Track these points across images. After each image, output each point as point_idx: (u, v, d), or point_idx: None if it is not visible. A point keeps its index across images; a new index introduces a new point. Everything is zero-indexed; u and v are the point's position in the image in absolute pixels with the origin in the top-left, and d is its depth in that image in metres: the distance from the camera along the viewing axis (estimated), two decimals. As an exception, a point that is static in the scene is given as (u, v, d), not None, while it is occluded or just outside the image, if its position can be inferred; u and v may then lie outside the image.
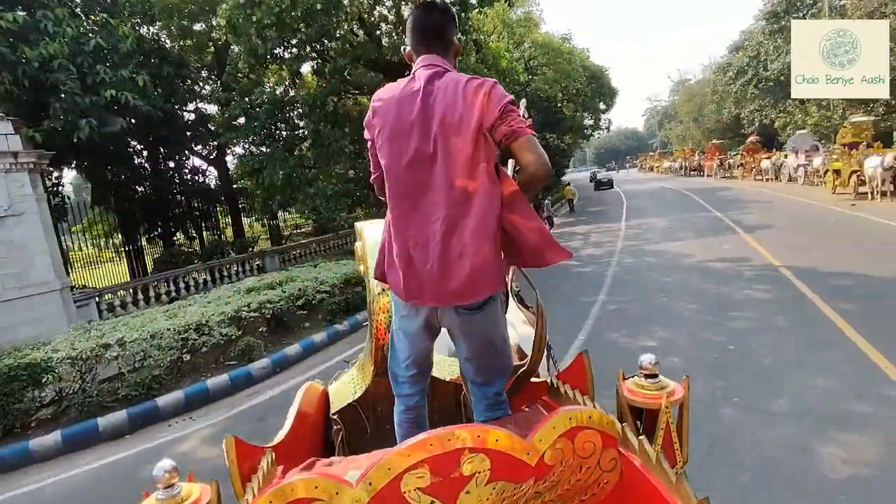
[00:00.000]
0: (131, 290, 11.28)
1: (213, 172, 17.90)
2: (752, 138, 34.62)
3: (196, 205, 16.62)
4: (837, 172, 18.11)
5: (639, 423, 1.49)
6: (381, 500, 1.14)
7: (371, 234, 2.15)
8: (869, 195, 15.60)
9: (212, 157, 17.52)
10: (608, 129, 34.90)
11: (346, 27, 10.61)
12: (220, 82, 13.02)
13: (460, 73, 1.61)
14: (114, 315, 9.84)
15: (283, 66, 11.17)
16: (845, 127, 18.75)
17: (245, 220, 19.98)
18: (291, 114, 11.57)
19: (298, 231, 21.46)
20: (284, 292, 8.07)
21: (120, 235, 15.32)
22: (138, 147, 14.74)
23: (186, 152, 16.67)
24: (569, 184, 36.83)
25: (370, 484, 1.13)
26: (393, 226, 1.58)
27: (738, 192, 25.02)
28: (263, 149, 11.89)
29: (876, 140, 19.01)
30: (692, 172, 42.99)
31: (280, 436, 1.74)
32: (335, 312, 8.63)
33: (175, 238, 17.08)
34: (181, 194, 16.44)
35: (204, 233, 17.98)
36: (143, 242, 16.57)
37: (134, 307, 10.64)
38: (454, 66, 1.69)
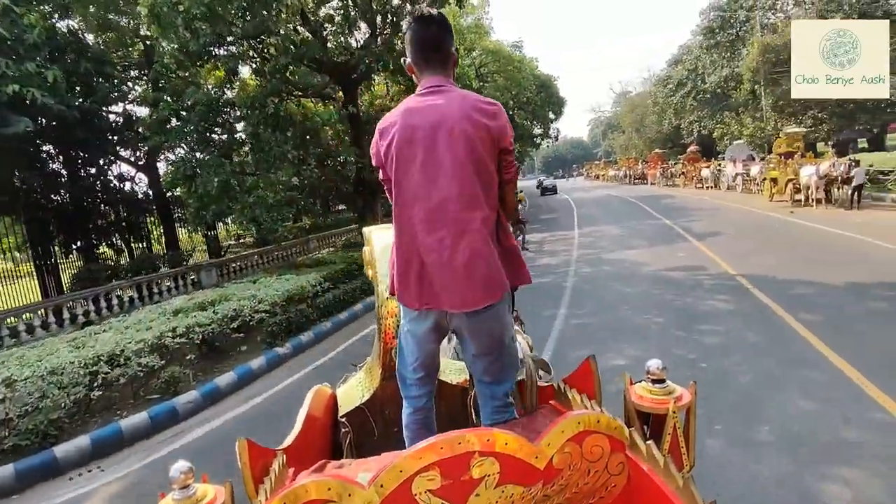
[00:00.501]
0: (41, 312, 9.94)
1: (144, 179, 16.47)
2: (692, 148, 35.99)
3: (123, 214, 15.18)
4: (774, 181, 18.87)
5: (646, 427, 1.50)
6: (392, 502, 1.16)
7: (379, 238, 2.21)
8: (802, 201, 16.34)
9: (142, 162, 16.12)
10: (556, 138, 35.36)
11: (287, 23, 9.84)
12: (150, 82, 11.89)
13: (468, 91, 1.72)
14: (18, 342, 8.58)
15: (219, 65, 10.25)
16: (780, 137, 19.53)
17: (183, 231, 18.61)
18: (229, 116, 10.63)
19: (240, 242, 20.18)
20: (216, 314, 7.19)
21: (31, 249, 13.71)
22: (52, 151, 13.27)
23: (111, 157, 15.23)
24: (521, 190, 37.08)
25: (381, 486, 1.15)
26: (403, 234, 1.65)
27: (682, 199, 25.74)
28: (198, 154, 10.87)
29: (807, 150, 20.02)
30: (636, 181, 44.34)
31: (290, 438, 1.76)
32: (276, 334, 7.82)
33: (99, 252, 15.54)
34: (105, 203, 14.97)
35: (132, 245, 16.51)
36: (61, 256, 14.94)
37: (44, 331, 9.35)
38: (454, 77, 1.79)
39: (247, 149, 10.70)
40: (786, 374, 4.86)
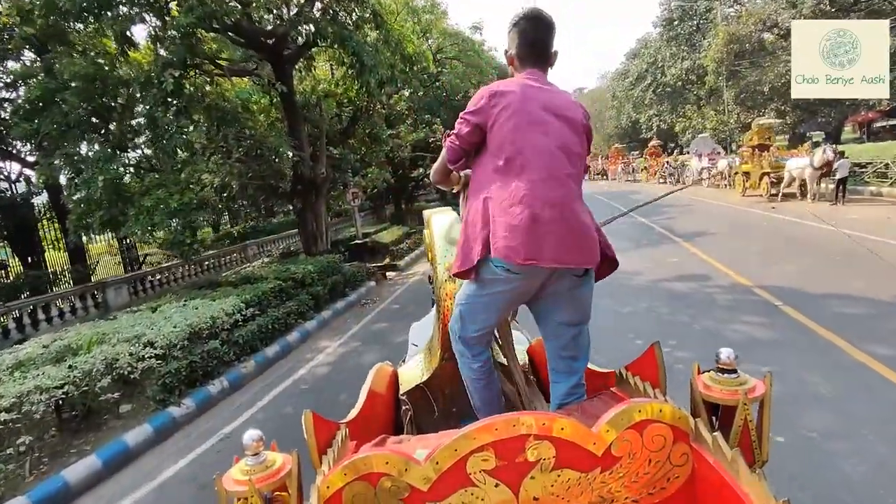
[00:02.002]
0: None
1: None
2: (653, 142, 35.40)
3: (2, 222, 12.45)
4: (747, 175, 17.98)
5: (714, 419, 1.46)
6: (447, 478, 1.20)
7: (438, 221, 2.30)
8: (798, 196, 15.34)
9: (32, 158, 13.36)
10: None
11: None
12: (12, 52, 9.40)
13: (560, 89, 1.86)
14: None
15: (105, 28, 7.94)
16: (752, 129, 18.61)
17: (102, 240, 15.89)
18: (123, 98, 8.32)
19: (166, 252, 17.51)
20: (73, 369, 5.01)
21: None
22: None
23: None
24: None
25: (437, 463, 1.19)
26: (513, 192, 1.64)
27: (649, 195, 24.72)
28: (84, 145, 8.51)
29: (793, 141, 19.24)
30: (596, 176, 43.67)
31: (353, 413, 1.81)
32: (171, 388, 5.72)
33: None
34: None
35: (30, 259, 13.74)
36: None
37: None
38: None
39: (145, 139, 8.39)
40: (913, 461, 3.25)
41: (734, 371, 1.44)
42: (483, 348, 1.88)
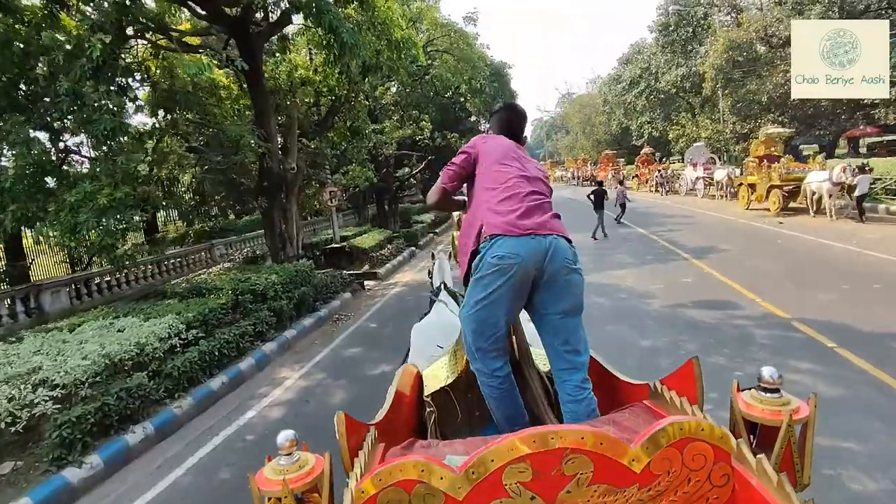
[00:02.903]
0: None
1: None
2: (646, 150, 34.64)
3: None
4: (752, 187, 17.00)
5: (752, 438, 1.44)
6: (482, 489, 1.18)
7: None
8: (812, 212, 14.37)
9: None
10: (508, 133, 32.74)
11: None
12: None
13: None
14: None
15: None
16: (758, 139, 17.68)
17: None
18: (42, 65, 6.87)
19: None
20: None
21: None
22: None
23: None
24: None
25: (473, 473, 1.17)
26: (509, 194, 1.97)
27: (644, 204, 23.80)
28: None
29: (786, 153, 18.40)
30: (585, 182, 42.80)
31: (381, 414, 1.82)
32: (71, 441, 4.38)
33: None
34: None
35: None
36: None
37: None
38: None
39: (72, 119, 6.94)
40: None
41: (777, 391, 1.42)
42: (501, 363, 1.93)
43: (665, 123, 35.29)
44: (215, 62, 7.48)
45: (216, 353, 6.17)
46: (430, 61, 16.13)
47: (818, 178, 13.58)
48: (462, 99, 21.23)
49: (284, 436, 1.36)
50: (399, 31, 11.12)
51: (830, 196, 12.99)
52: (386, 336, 7.69)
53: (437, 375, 2.36)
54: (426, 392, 2.28)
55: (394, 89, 19.62)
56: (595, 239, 13.94)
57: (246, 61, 7.50)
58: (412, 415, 2.23)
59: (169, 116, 7.32)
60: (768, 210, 16.09)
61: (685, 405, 1.52)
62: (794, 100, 25.86)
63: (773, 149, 17.32)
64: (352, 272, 12.21)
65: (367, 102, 14.56)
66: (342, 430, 1.48)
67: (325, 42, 8.32)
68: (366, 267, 12.70)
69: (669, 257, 10.98)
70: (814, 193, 13.97)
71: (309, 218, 17.95)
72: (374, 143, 14.97)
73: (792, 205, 15.64)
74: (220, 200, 14.74)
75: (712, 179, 23.85)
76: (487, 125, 32.72)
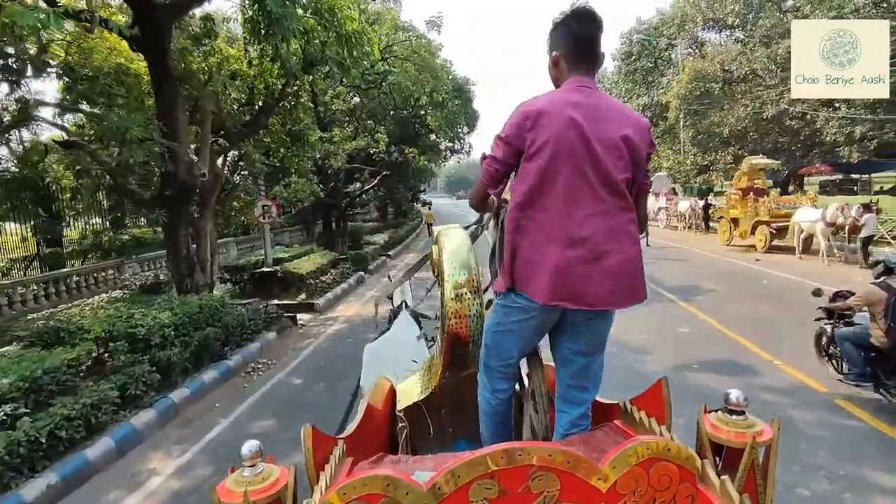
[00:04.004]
0: None
1: None
2: (606, 177, 34.21)
3: None
4: (735, 221, 16.05)
5: (717, 460, 1.46)
6: None
7: (450, 239, 2.20)
8: (799, 252, 13.28)
9: None
10: (469, 153, 31.63)
11: None
12: None
13: (615, 100, 1.75)
14: None
15: None
16: (741, 169, 16.85)
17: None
18: None
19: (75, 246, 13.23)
20: None
21: None
22: None
23: None
24: (430, 207, 32.86)
25: (439, 489, 1.14)
26: (540, 227, 1.60)
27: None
28: None
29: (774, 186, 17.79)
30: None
31: (350, 428, 1.80)
32: None
33: None
34: None
35: None
36: None
37: None
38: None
39: None
40: None
41: (742, 413, 1.45)
42: (506, 385, 1.85)
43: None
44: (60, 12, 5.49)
45: (44, 440, 4.14)
46: (387, 67, 14.52)
47: (809, 217, 12.65)
48: (422, 112, 19.73)
49: (249, 447, 1.34)
50: (351, 24, 9.46)
51: (825, 237, 12.02)
52: (312, 399, 5.85)
53: (411, 390, 2.33)
54: (399, 407, 2.23)
55: (350, 97, 17.94)
56: None
57: (150, 41, 5.64)
58: (383, 430, 2.19)
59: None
60: (753, 247, 15.07)
61: (654, 425, 1.52)
62: (752, 134, 25.99)
63: (756, 180, 16.44)
64: (284, 302, 10.26)
65: (311, 105, 12.77)
66: (308, 444, 1.45)
67: (250, 16, 6.56)
68: (302, 296, 10.76)
69: (653, 298, 9.65)
70: (802, 232, 13.03)
71: (240, 235, 15.77)
72: (322, 153, 13.16)
73: (776, 242, 14.76)
74: (116, 209, 12.38)
75: (676, 210, 23.30)
76: (448, 143, 31.51)
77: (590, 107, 1.58)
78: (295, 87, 10.21)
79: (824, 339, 5.35)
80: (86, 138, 7.67)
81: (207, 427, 5.28)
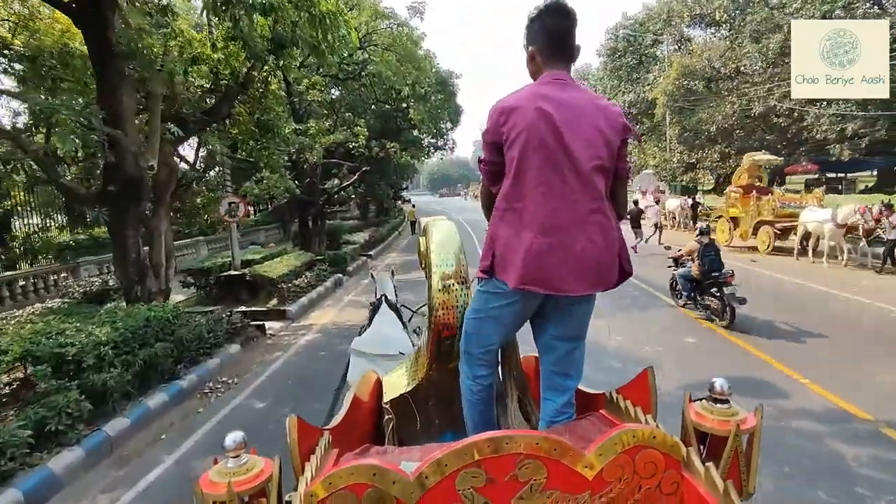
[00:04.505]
0: None
1: None
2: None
3: None
4: (735, 221, 15.28)
5: (702, 448, 1.47)
6: (435, 494, 1.15)
7: (438, 230, 2.20)
8: (811, 255, 12.32)
9: None
10: (453, 149, 30.82)
11: None
12: None
13: (588, 91, 1.79)
14: None
15: None
16: (742, 165, 16.06)
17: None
18: None
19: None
20: None
21: None
22: None
23: None
24: (413, 205, 32.08)
25: (426, 478, 1.14)
26: (517, 217, 1.66)
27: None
28: None
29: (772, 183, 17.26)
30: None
31: (336, 419, 1.77)
32: None
33: None
34: None
35: None
36: None
37: None
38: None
39: None
40: None
41: (727, 401, 1.46)
42: (486, 372, 1.87)
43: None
44: None
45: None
46: (367, 55, 13.63)
47: (817, 217, 11.90)
48: (405, 105, 18.85)
49: (232, 438, 1.32)
50: (325, 4, 8.59)
51: (837, 240, 11.37)
52: (275, 429, 5.00)
53: (397, 382, 2.33)
54: (385, 399, 2.23)
55: (329, 89, 16.98)
56: None
57: (88, 12, 4.73)
58: (370, 421, 2.18)
59: None
60: (756, 249, 14.39)
61: (639, 414, 1.53)
62: (739, 131, 25.70)
63: (757, 177, 15.71)
64: (252, 309, 9.36)
65: (285, 95, 11.86)
66: (293, 435, 1.43)
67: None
68: (273, 302, 9.87)
69: (651, 302, 9.02)
70: (806, 233, 12.31)
71: (212, 234, 14.74)
72: (297, 146, 12.24)
73: (778, 244, 14.16)
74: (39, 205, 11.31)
75: (663, 209, 22.83)
76: (431, 139, 30.60)
77: (561, 99, 1.62)
78: (264, 73, 9.31)
79: (673, 282, 8.45)
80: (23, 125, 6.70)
81: (147, 467, 4.42)
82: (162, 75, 5.91)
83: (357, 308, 9.61)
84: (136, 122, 6.53)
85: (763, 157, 16.30)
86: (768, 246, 13.76)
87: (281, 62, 8.95)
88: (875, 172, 30.75)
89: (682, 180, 28.01)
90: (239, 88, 8.01)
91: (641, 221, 16.04)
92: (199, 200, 9.63)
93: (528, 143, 1.59)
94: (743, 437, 1.37)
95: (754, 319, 7.54)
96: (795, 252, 12.69)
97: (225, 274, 9.90)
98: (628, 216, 14.24)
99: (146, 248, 7.14)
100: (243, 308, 9.41)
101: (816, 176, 27.95)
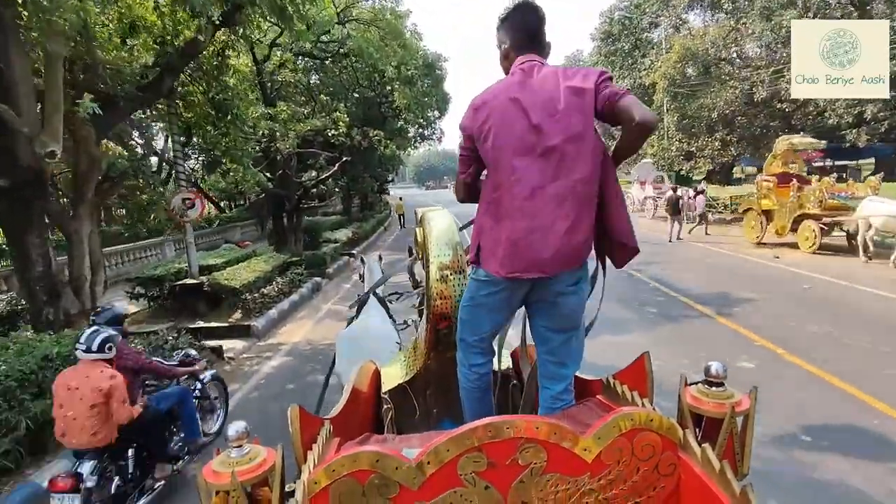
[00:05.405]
0: None
1: None
2: (585, 164, 32.52)
3: None
4: (768, 214, 13.35)
5: (697, 430, 1.50)
6: (437, 479, 1.18)
7: (434, 221, 2.23)
8: (862, 256, 10.71)
9: None
10: (440, 139, 29.31)
11: None
12: None
13: (559, 68, 1.73)
14: None
15: None
16: (776, 151, 13.86)
17: None
18: None
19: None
20: None
21: None
22: None
23: None
24: (401, 198, 30.83)
25: (428, 462, 1.16)
26: (495, 206, 1.71)
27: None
28: None
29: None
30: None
31: (336, 409, 1.77)
32: None
33: None
34: None
35: None
36: None
37: None
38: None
39: None
40: None
41: (722, 384, 1.51)
42: (483, 360, 1.90)
43: (608, 139, 33.52)
44: None
45: None
46: (347, 31, 12.09)
47: (884, 210, 10.18)
48: (389, 89, 17.30)
49: (235, 428, 1.33)
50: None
51: None
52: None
53: (396, 372, 2.33)
54: (384, 389, 2.24)
55: (307, 72, 15.39)
56: None
57: None
58: (369, 411, 2.18)
59: None
60: (797, 247, 12.44)
61: (636, 399, 1.54)
62: (741, 118, 24.56)
63: (792, 164, 13.49)
64: (211, 325, 7.90)
65: (253, 73, 10.29)
66: (296, 425, 1.42)
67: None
68: (236, 315, 8.39)
69: (682, 312, 7.71)
70: (869, 228, 10.56)
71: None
72: (266, 132, 10.71)
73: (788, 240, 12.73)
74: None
75: (666, 200, 21.61)
76: (417, 129, 29.09)
77: (528, 83, 1.66)
78: (220, 43, 7.77)
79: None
80: None
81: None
82: (57, 34, 4.36)
83: (337, 321, 8.18)
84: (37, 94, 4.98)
85: (803, 139, 13.85)
86: (813, 244, 11.94)
87: (240, 29, 7.44)
88: (873, 160, 29.98)
89: (679, 169, 26.86)
90: (182, 58, 6.48)
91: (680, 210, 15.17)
92: (144, 197, 8.07)
93: (498, 134, 1.65)
94: (738, 420, 1.42)
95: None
96: (861, 252, 10.79)
97: (180, 283, 8.39)
98: (667, 204, 14.47)
99: (64, 257, 5.63)
100: (200, 324, 7.94)
101: (821, 163, 26.96)
